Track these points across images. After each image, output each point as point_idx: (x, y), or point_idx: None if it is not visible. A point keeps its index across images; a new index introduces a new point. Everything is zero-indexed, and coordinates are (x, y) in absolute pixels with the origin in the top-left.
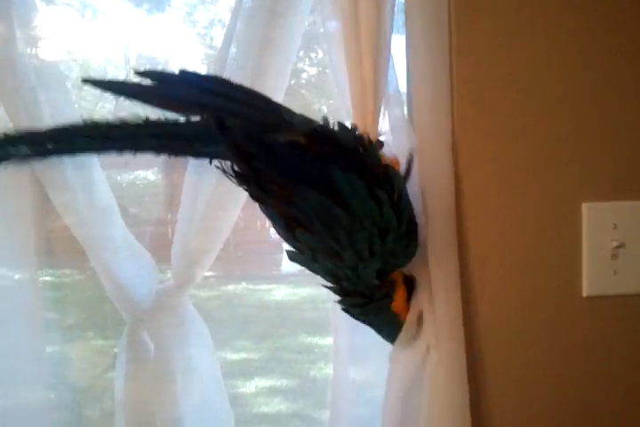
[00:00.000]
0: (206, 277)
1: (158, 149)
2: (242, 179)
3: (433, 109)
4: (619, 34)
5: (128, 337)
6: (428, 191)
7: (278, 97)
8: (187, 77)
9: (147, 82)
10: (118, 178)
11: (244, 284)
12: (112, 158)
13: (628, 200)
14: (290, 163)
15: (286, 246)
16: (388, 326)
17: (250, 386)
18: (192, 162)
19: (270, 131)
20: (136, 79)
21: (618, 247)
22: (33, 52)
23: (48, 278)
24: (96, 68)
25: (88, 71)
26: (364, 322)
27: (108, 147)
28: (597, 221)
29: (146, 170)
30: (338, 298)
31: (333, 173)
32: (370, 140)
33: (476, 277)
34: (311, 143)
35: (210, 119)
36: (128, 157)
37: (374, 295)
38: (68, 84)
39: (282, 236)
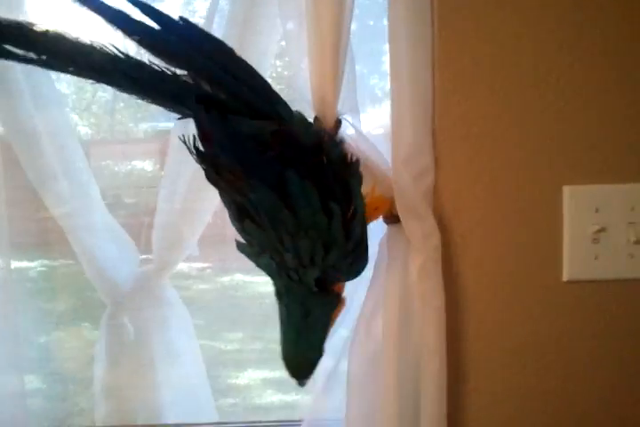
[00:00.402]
0: (202, 269)
1: (128, 88)
2: (201, 157)
3: (412, 90)
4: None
5: (108, 320)
6: (405, 175)
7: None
8: (191, 31)
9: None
10: (115, 168)
11: (239, 275)
12: (109, 149)
13: (610, 183)
14: (250, 154)
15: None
16: (315, 329)
17: (243, 377)
18: (174, 144)
19: (249, 116)
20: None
21: (599, 231)
22: None
23: (43, 269)
24: None
25: None
26: (294, 309)
27: (80, 68)
28: (579, 205)
29: (143, 160)
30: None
31: (289, 177)
32: (344, 154)
33: (455, 262)
34: (275, 140)
35: (189, 88)
36: (125, 147)
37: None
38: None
39: (233, 224)
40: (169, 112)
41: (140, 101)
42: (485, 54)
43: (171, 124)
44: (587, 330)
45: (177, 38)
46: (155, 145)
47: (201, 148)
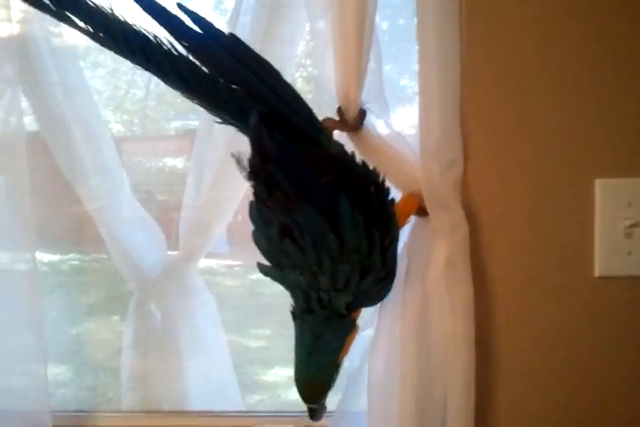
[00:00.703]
0: (230, 266)
1: (179, 87)
2: (254, 175)
3: (441, 80)
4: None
5: (135, 308)
6: (434, 166)
7: (288, 67)
8: (241, 49)
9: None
10: (147, 165)
11: None
12: (141, 146)
13: None
14: (305, 177)
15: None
16: (325, 351)
17: (270, 374)
18: (201, 131)
19: (299, 140)
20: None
21: (632, 226)
22: (51, 35)
23: (76, 262)
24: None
25: (117, 58)
26: (306, 331)
27: (136, 59)
28: (611, 199)
29: (174, 158)
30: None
31: (341, 203)
32: (383, 182)
33: (484, 255)
34: (330, 166)
35: (252, 110)
36: (157, 144)
37: (337, 320)
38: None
39: (263, 249)
40: (201, 111)
41: (170, 99)
42: (515, 47)
43: None
44: (618, 327)
45: (227, 53)
46: (186, 142)
47: (253, 164)
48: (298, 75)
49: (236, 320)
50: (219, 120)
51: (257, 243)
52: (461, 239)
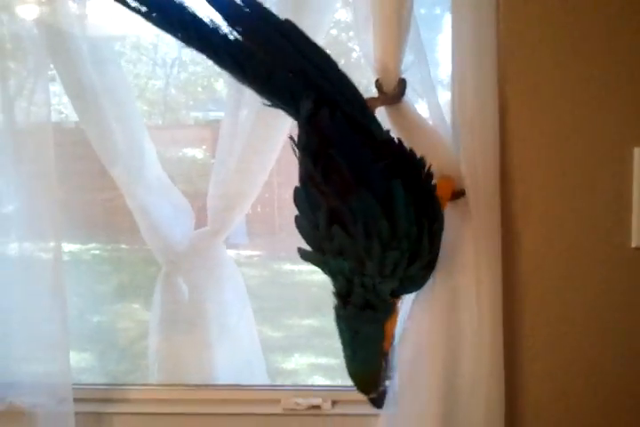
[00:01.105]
0: (250, 257)
1: (235, 73)
2: (312, 158)
3: (477, 61)
4: None
5: (163, 279)
6: (474, 140)
7: (319, 37)
8: (301, 39)
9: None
10: (167, 155)
11: (288, 264)
12: (160, 135)
13: None
14: (364, 161)
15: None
16: (367, 344)
17: (290, 362)
18: (230, 103)
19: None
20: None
21: None
22: (86, 28)
23: (97, 252)
24: (147, 46)
25: (139, 48)
26: (345, 329)
27: (192, 43)
28: None
29: (193, 148)
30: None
31: (395, 189)
32: (429, 168)
33: (519, 223)
34: (385, 152)
35: (305, 96)
36: (176, 134)
37: (378, 307)
38: (122, 61)
39: (307, 234)
40: (223, 102)
41: (190, 89)
42: (552, 22)
43: (221, 114)
44: None
45: (283, 39)
46: (206, 132)
47: (313, 148)
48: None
49: (255, 310)
50: (268, 103)
51: (300, 228)
52: (494, 223)
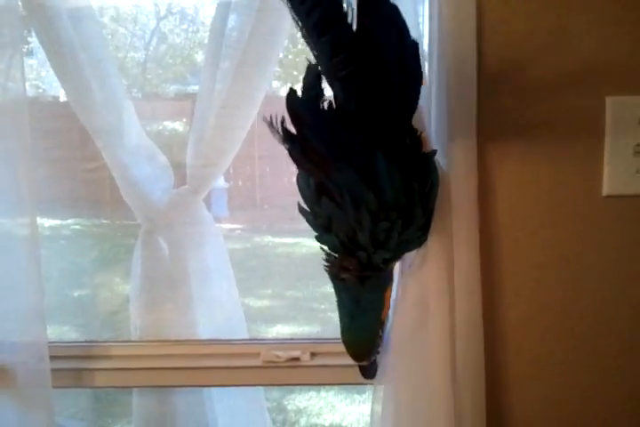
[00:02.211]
0: (232, 230)
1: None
2: (289, 139)
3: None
4: None
5: (143, 237)
6: (453, 75)
7: None
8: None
9: None
10: (147, 128)
11: (269, 237)
12: (140, 108)
13: None
14: (340, 138)
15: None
16: (367, 312)
17: (272, 332)
18: (209, 59)
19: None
20: None
21: None
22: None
23: (78, 227)
24: (126, 17)
25: (117, 20)
26: (345, 298)
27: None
28: (621, 116)
29: (173, 121)
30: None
31: (377, 161)
32: (416, 132)
33: (493, 169)
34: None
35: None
36: (156, 107)
37: (378, 276)
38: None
39: (304, 195)
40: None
41: (169, 62)
42: None
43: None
44: (623, 246)
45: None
46: (186, 105)
47: (289, 129)
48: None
49: (239, 281)
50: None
51: (298, 185)
52: (470, 174)
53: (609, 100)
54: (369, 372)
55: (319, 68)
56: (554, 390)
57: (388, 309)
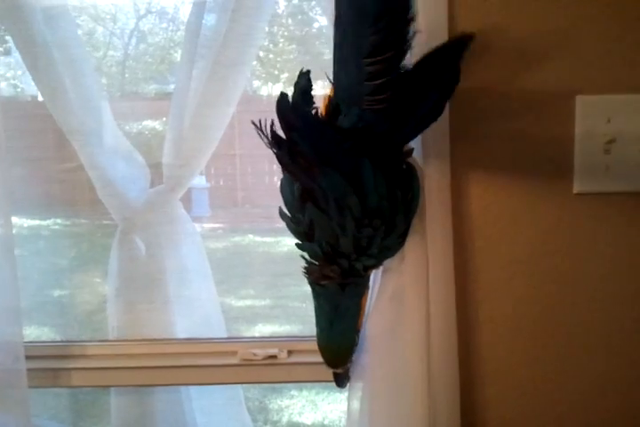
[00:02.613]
0: (214, 229)
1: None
2: (277, 143)
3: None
4: None
5: (119, 237)
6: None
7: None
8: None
9: None
10: (127, 128)
11: (250, 236)
12: (120, 107)
13: (622, 93)
14: (328, 144)
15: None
16: (345, 319)
17: (253, 331)
18: (184, 57)
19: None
20: None
21: (610, 142)
22: None
23: (57, 227)
24: (105, 16)
25: (96, 19)
26: (324, 303)
27: None
28: (591, 115)
29: (153, 120)
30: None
31: (364, 168)
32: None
33: (465, 172)
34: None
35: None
36: (135, 106)
37: (357, 282)
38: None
39: (287, 202)
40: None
41: (149, 61)
42: None
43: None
44: (598, 242)
45: None
46: (165, 104)
47: (277, 133)
48: (280, 34)
49: (219, 281)
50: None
51: (282, 190)
52: (444, 167)
53: (579, 99)
54: (343, 380)
55: (310, 78)
56: (528, 384)
57: (363, 315)
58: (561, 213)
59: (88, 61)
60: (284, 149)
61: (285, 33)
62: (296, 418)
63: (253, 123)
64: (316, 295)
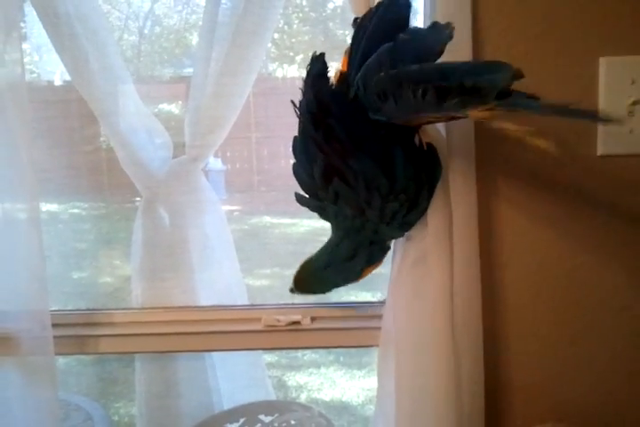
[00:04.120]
0: (230, 212)
1: None
2: (314, 126)
3: None
4: None
5: (143, 206)
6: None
7: None
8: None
9: None
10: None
11: (267, 218)
12: (136, 91)
13: None
14: (362, 131)
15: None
16: (342, 272)
17: None
18: (205, 25)
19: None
20: None
21: (635, 103)
22: None
23: (76, 211)
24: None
25: (112, 2)
26: (345, 248)
27: None
28: (615, 76)
29: (169, 104)
30: None
31: (397, 156)
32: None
33: (489, 143)
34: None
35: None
36: (151, 90)
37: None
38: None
39: (305, 184)
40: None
41: (164, 44)
42: None
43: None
44: (621, 205)
45: None
46: (181, 87)
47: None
48: (295, 16)
49: (238, 262)
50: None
51: (296, 175)
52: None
53: (602, 61)
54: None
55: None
56: (551, 345)
57: (353, 282)
58: (584, 175)
59: (110, 31)
60: (320, 132)
61: (300, 14)
62: (315, 395)
63: (293, 102)
64: (342, 236)
